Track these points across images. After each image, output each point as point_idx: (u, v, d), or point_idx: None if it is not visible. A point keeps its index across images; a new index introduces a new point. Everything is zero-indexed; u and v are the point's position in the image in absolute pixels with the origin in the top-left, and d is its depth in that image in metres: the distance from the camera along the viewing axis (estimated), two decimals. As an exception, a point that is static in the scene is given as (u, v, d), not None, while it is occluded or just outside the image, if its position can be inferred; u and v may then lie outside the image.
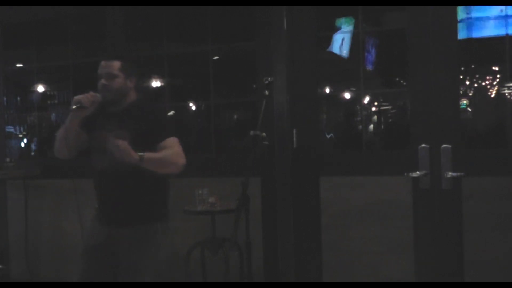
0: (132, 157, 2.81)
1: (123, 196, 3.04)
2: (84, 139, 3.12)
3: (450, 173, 3.62)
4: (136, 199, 3.04)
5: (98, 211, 3.18)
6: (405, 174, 3.71)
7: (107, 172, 3.03)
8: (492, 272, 3.62)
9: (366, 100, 4.86)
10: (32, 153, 6.23)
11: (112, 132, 2.96)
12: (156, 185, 3.12)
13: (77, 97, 2.98)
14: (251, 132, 3.25)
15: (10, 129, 6.00)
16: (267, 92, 3.42)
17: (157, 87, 6.22)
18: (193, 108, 5.17)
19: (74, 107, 2.98)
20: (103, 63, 3.12)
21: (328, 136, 5.41)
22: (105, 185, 3.09)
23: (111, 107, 3.12)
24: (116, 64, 3.10)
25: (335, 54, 4.36)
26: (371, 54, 4.29)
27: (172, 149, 3.01)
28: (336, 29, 4.45)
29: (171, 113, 5.03)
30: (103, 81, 3.07)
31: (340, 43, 4.36)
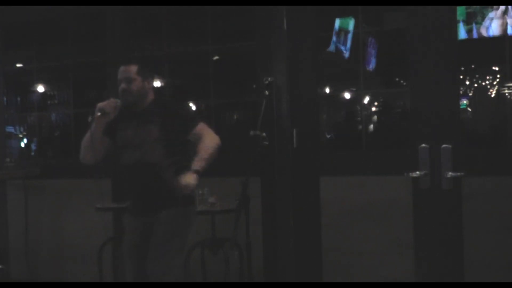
0: (196, 182, 3.11)
1: (156, 185, 3.24)
2: (108, 144, 3.31)
3: (450, 173, 3.62)
4: (168, 186, 3.22)
5: (132, 204, 3.38)
6: (405, 174, 3.70)
7: (137, 166, 3.24)
8: (492, 272, 3.62)
9: (366, 100, 4.85)
10: (32, 153, 6.21)
11: (140, 128, 3.18)
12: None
13: (100, 104, 3.15)
14: (251, 132, 3.27)
15: (10, 129, 5.99)
16: (267, 92, 3.44)
17: (157, 87, 6.20)
18: (193, 108, 5.16)
19: (98, 114, 3.12)
20: (121, 68, 3.30)
21: (328, 136, 5.40)
22: (138, 177, 3.28)
23: (132, 108, 3.29)
24: (133, 68, 3.28)
25: (335, 54, 4.35)
26: (371, 54, 4.28)
27: (206, 135, 3.24)
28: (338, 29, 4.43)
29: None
30: (123, 85, 3.25)
31: (349, 43, 4.33)
